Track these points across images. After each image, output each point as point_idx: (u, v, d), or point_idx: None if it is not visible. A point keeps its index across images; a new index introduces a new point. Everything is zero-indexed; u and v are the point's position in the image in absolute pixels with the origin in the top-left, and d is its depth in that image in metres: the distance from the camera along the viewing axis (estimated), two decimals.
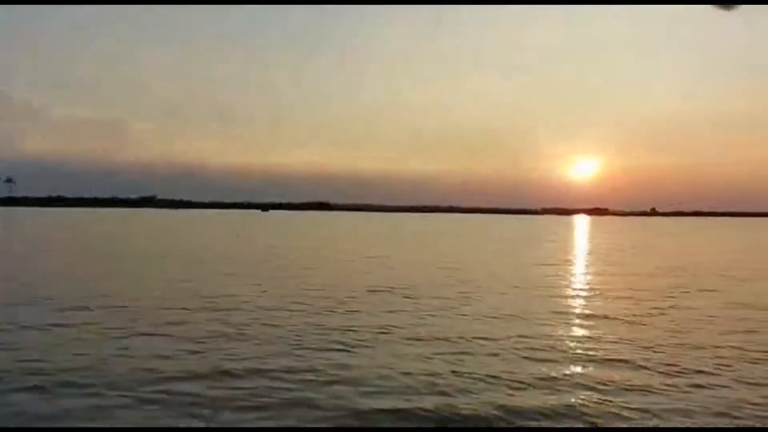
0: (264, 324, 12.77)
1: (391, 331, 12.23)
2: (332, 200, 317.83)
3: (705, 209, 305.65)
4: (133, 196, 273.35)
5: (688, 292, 18.76)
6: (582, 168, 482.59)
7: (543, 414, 7.45)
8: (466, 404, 7.80)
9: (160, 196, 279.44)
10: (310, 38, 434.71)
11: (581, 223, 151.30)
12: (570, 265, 29.24)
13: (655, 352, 10.79)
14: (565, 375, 9.28)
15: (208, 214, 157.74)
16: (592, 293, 18.92)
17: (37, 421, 7.25)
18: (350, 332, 12.06)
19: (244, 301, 15.71)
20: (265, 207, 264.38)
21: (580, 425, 7.19)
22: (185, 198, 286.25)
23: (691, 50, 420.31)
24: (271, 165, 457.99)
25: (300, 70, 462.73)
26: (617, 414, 7.50)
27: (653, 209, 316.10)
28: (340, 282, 20.40)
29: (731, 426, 7.22)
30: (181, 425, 7.14)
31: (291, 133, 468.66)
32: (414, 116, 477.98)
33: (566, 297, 18.12)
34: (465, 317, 13.93)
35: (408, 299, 16.76)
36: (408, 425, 7.26)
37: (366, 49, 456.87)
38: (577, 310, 15.51)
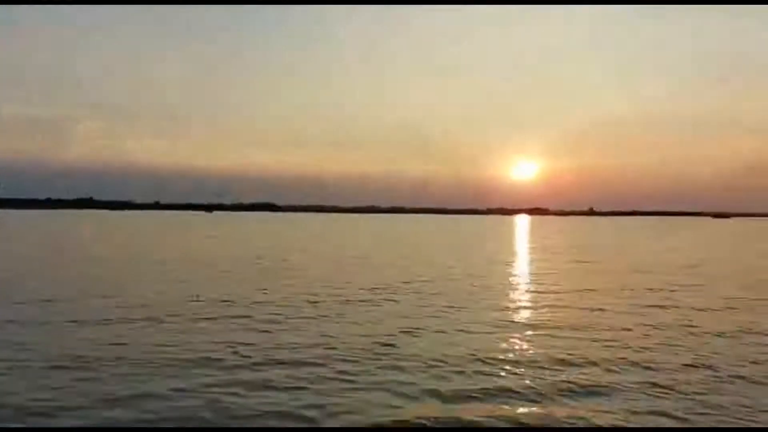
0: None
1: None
2: (280, 201, 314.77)
3: (641, 209, 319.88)
4: (71, 197, 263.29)
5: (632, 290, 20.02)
6: (525, 169, 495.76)
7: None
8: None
9: (99, 197, 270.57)
10: (264, 40, 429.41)
11: (522, 222, 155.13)
12: (508, 265, 30.43)
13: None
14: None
15: (146, 216, 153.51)
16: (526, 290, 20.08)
17: None
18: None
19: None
20: (209, 208, 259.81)
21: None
22: (128, 199, 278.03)
23: (634, 54, 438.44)
24: (219, 166, 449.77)
25: (251, 72, 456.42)
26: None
27: (591, 209, 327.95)
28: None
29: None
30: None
31: (239, 135, 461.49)
32: (364, 118, 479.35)
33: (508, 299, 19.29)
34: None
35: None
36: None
37: (318, 50, 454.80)
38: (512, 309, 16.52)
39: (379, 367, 9.50)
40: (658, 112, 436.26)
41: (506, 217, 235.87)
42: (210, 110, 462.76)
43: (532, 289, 19.95)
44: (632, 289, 19.52)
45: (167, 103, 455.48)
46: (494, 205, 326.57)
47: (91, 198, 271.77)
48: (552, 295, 17.94)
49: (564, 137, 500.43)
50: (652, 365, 9.83)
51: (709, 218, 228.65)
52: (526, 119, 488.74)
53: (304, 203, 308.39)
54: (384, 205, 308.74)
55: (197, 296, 16.43)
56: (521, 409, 7.72)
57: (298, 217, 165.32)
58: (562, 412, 7.63)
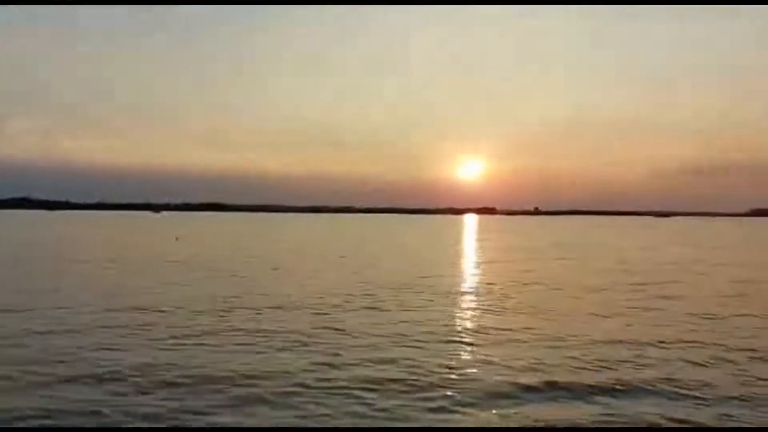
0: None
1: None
2: (228, 201, 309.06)
3: (582, 208, 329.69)
4: (4, 196, 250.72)
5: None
6: (473, 170, 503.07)
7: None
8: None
9: (36, 197, 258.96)
10: (210, 40, 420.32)
11: (471, 221, 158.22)
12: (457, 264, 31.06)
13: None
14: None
15: (88, 216, 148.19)
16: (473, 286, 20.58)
17: None
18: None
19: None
20: (156, 208, 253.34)
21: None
22: (68, 199, 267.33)
23: (574, 59, 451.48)
24: (165, 165, 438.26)
25: (198, 70, 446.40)
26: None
27: (536, 208, 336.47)
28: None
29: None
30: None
31: (185, 135, 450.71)
32: (313, 119, 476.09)
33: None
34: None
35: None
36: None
37: (267, 53, 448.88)
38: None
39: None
40: (598, 115, 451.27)
41: (456, 217, 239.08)
42: (154, 109, 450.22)
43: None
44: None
45: (109, 102, 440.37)
46: (444, 205, 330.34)
47: (25, 198, 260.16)
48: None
49: (510, 139, 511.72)
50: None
51: (651, 217, 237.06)
52: (475, 121, 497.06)
53: (254, 203, 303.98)
54: (335, 204, 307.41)
55: (176, 238, 16.19)
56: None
57: (247, 217, 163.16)
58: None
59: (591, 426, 7.22)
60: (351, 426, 7.16)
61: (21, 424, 7.06)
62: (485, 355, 10.20)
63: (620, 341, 11.28)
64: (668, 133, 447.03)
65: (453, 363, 9.65)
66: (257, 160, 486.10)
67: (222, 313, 13.70)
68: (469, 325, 13.12)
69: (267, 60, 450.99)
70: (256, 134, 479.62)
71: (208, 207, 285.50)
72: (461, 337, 11.76)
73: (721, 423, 7.37)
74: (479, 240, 56.78)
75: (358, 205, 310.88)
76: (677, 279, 22.53)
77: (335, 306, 15.10)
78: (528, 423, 7.21)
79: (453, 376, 8.98)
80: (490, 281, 21.26)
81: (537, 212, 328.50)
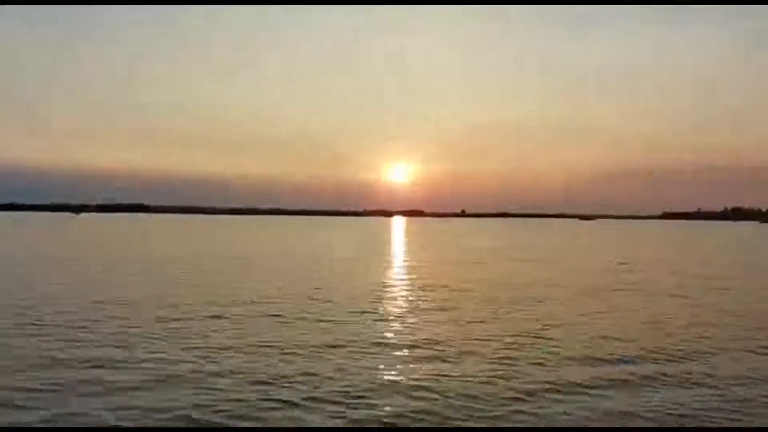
0: None
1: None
2: (152, 202, 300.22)
3: (508, 211, 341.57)
4: None
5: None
6: (401, 173, 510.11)
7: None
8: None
9: None
10: (136, 41, 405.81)
11: (399, 223, 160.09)
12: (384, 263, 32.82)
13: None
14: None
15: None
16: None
17: None
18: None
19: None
20: (77, 209, 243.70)
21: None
22: None
23: (503, 64, 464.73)
24: (86, 165, 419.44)
25: (120, 70, 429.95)
26: None
27: (463, 211, 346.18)
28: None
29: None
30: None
31: (105, 133, 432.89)
32: (241, 120, 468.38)
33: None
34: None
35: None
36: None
37: (191, 51, 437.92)
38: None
39: None
40: (523, 120, 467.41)
41: (385, 219, 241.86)
42: (73, 107, 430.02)
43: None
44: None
45: (24, 98, 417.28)
46: (373, 207, 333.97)
47: None
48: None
49: (438, 143, 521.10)
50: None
51: (576, 220, 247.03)
52: (403, 125, 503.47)
53: (180, 204, 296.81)
54: (263, 206, 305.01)
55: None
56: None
57: (170, 219, 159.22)
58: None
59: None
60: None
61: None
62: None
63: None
64: (586, 138, 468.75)
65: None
66: (184, 161, 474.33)
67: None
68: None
69: (194, 60, 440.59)
70: (183, 135, 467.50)
71: (131, 208, 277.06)
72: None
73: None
74: (404, 243, 57.81)
75: (287, 207, 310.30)
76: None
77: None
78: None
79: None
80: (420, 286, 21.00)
81: (464, 214, 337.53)
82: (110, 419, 7.28)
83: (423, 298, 17.76)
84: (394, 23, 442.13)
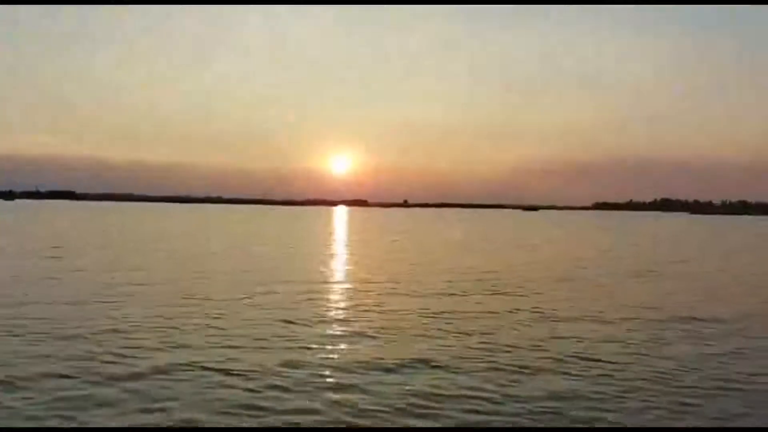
0: None
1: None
2: (82, 190, 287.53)
3: (448, 201, 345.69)
4: None
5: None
6: (345, 163, 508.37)
7: None
8: None
9: None
10: (55, 19, 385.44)
11: (341, 212, 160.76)
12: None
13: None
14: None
15: None
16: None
17: None
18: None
19: None
20: (8, 195, 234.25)
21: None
22: None
23: (451, 61, 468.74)
24: (12, 150, 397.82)
25: (55, 55, 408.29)
26: None
27: (405, 201, 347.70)
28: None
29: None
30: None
31: (30, 118, 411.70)
32: (181, 108, 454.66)
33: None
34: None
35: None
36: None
37: (118, 37, 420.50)
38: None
39: None
40: (467, 117, 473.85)
41: (327, 208, 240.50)
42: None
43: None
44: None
45: None
46: (315, 197, 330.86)
47: None
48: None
49: (381, 135, 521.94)
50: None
51: (519, 210, 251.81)
52: (348, 117, 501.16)
53: (112, 191, 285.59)
54: (199, 195, 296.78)
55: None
56: None
57: (101, 207, 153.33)
58: None
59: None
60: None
61: None
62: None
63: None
64: (527, 135, 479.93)
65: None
66: (118, 147, 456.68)
67: None
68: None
69: (137, 45, 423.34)
70: (124, 122, 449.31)
71: (58, 195, 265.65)
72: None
73: None
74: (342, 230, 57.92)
75: (225, 196, 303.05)
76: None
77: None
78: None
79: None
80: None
81: (407, 204, 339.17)
82: None
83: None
84: (345, 16, 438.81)
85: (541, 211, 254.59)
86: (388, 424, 7.00)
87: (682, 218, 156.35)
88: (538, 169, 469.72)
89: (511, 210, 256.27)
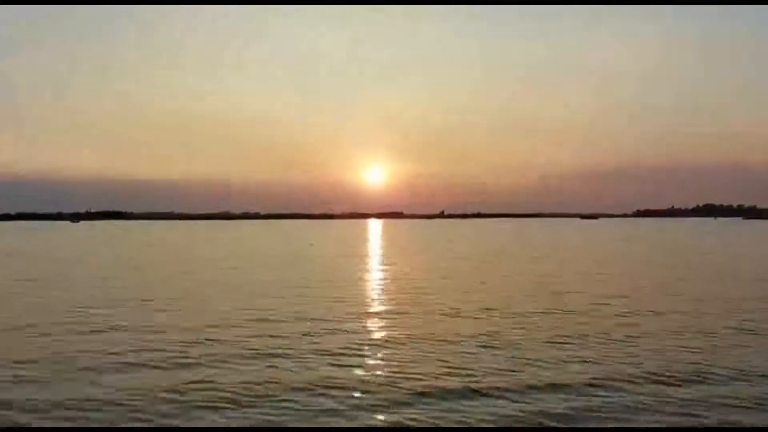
0: None
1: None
2: (127, 209, 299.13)
3: (483, 211, 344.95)
4: None
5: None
6: (380, 174, 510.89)
7: None
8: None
9: None
10: (111, 40, 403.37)
11: (376, 226, 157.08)
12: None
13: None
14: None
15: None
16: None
17: None
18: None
19: None
20: (75, 217, 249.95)
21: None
22: None
23: (474, 65, 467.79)
24: (52, 171, 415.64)
25: (90, 69, 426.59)
26: None
27: (442, 212, 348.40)
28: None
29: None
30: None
31: (71, 139, 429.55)
32: (211, 122, 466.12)
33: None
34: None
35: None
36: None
37: (138, 48, 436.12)
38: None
39: None
40: (495, 121, 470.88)
41: (361, 221, 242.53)
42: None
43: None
44: None
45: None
46: (350, 210, 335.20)
47: None
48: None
49: (411, 143, 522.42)
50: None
51: (577, 219, 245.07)
52: (377, 124, 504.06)
53: (156, 210, 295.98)
54: (236, 211, 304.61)
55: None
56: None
57: (150, 225, 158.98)
58: None
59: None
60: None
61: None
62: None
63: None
64: (556, 137, 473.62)
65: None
66: (157, 166, 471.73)
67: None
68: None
69: (163, 56, 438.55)
70: (155, 138, 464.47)
71: (107, 215, 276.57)
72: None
73: None
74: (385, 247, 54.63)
75: (262, 212, 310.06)
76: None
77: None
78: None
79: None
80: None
81: (443, 216, 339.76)
82: None
83: None
84: (372, 27, 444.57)
85: (600, 219, 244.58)
86: None
87: (749, 224, 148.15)
88: (571, 174, 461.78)
89: (568, 219, 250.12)
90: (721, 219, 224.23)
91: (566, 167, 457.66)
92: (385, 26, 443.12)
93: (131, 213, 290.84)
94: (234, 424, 7.42)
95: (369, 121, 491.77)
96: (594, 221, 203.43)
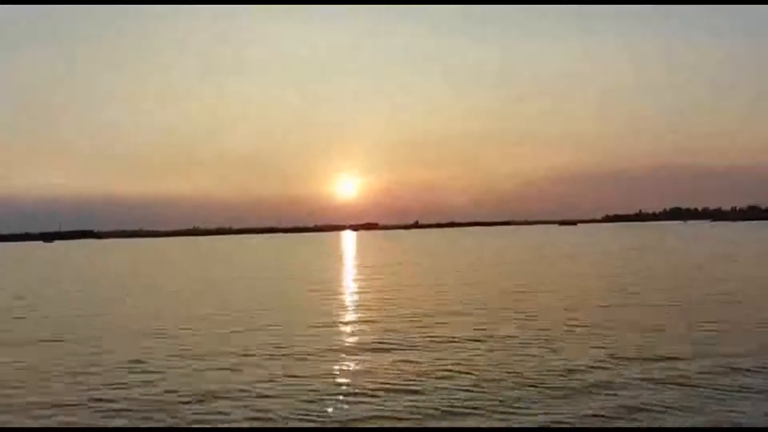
0: None
1: None
2: (99, 228, 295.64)
3: (458, 220, 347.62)
4: None
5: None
6: (350, 186, 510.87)
7: None
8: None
9: None
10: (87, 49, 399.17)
11: (349, 238, 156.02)
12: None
13: None
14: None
15: None
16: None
17: None
18: None
19: None
20: (49, 237, 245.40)
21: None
22: None
23: (447, 71, 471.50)
24: (20, 191, 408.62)
25: (56, 87, 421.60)
26: None
27: (417, 222, 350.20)
28: None
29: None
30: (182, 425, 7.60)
31: (40, 158, 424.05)
32: (182, 136, 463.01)
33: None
34: None
35: None
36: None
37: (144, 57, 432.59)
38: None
39: None
40: (468, 129, 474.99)
41: (335, 233, 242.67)
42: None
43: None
44: None
45: None
46: (323, 222, 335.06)
47: None
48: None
49: (385, 153, 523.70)
50: None
51: (555, 225, 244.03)
52: (348, 135, 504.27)
53: (127, 228, 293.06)
54: (209, 227, 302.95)
55: None
56: None
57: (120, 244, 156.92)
58: None
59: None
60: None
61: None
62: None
63: None
64: (532, 144, 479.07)
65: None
66: (125, 182, 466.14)
67: None
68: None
69: (132, 71, 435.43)
70: (124, 155, 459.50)
71: (78, 235, 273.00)
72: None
73: None
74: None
75: (235, 227, 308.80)
76: None
77: None
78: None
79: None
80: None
81: (417, 226, 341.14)
82: None
83: None
84: (343, 37, 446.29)
85: (579, 225, 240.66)
86: None
87: (717, 226, 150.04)
88: (540, 181, 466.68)
89: (546, 225, 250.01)
90: (690, 222, 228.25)
91: (537, 174, 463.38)
92: (357, 37, 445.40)
93: (102, 232, 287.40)
94: (235, 425, 7.76)
95: (343, 133, 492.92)
96: (573, 227, 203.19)
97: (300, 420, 8.00)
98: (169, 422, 8.08)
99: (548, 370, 10.21)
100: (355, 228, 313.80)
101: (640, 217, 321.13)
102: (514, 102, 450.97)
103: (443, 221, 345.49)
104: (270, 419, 8.03)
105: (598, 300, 18.91)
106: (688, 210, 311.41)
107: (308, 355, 12.02)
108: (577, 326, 14.44)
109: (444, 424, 7.65)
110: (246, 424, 7.87)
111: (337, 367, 10.99)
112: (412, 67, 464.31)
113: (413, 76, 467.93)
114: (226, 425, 7.84)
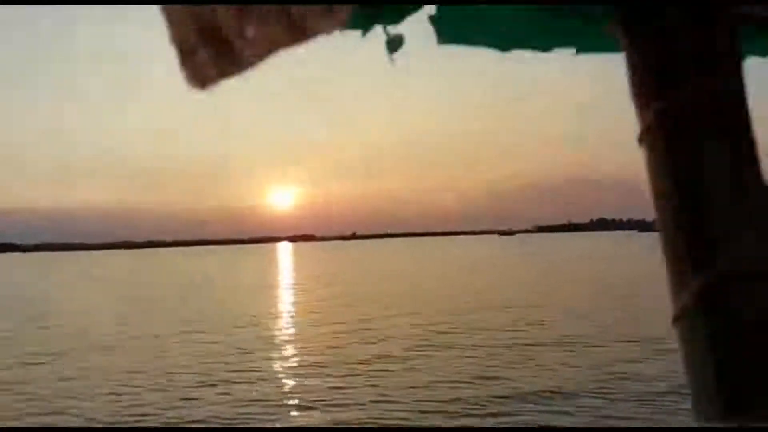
0: None
1: None
2: (22, 241, 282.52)
3: (395, 231, 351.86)
4: None
5: None
6: (287, 197, 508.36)
7: None
8: None
9: None
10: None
11: (284, 251, 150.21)
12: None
13: None
14: None
15: None
16: None
17: None
18: None
19: None
20: None
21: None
22: None
23: (405, 83, 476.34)
24: None
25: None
26: None
27: (354, 233, 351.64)
28: None
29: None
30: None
31: None
32: (113, 148, 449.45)
33: None
34: None
35: None
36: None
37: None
38: None
39: None
40: (414, 141, 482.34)
41: (271, 246, 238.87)
42: None
43: None
44: None
45: None
46: (259, 234, 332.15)
47: None
48: None
49: (324, 166, 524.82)
50: None
51: (495, 235, 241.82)
52: (286, 148, 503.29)
53: (51, 241, 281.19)
54: (140, 239, 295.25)
55: None
56: None
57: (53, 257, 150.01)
58: None
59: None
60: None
61: None
62: None
63: None
64: (469, 157, 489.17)
65: None
66: (52, 194, 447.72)
67: None
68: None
69: (69, 84, 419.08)
70: (53, 166, 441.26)
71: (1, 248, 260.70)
72: None
73: None
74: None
75: (167, 239, 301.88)
76: None
77: None
78: None
79: None
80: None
81: (354, 237, 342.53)
82: None
83: None
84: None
85: (517, 235, 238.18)
86: None
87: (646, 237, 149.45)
88: (477, 193, 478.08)
89: (486, 236, 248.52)
90: (619, 232, 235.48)
91: (476, 186, 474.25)
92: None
93: (24, 245, 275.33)
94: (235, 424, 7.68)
95: (280, 144, 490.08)
96: (512, 237, 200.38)
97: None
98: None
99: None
100: (292, 239, 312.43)
101: (568, 227, 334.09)
102: (454, 116, 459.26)
103: (380, 232, 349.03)
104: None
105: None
106: (613, 220, 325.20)
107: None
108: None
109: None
110: None
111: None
112: (351, 82, 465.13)
113: (362, 90, 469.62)
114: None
